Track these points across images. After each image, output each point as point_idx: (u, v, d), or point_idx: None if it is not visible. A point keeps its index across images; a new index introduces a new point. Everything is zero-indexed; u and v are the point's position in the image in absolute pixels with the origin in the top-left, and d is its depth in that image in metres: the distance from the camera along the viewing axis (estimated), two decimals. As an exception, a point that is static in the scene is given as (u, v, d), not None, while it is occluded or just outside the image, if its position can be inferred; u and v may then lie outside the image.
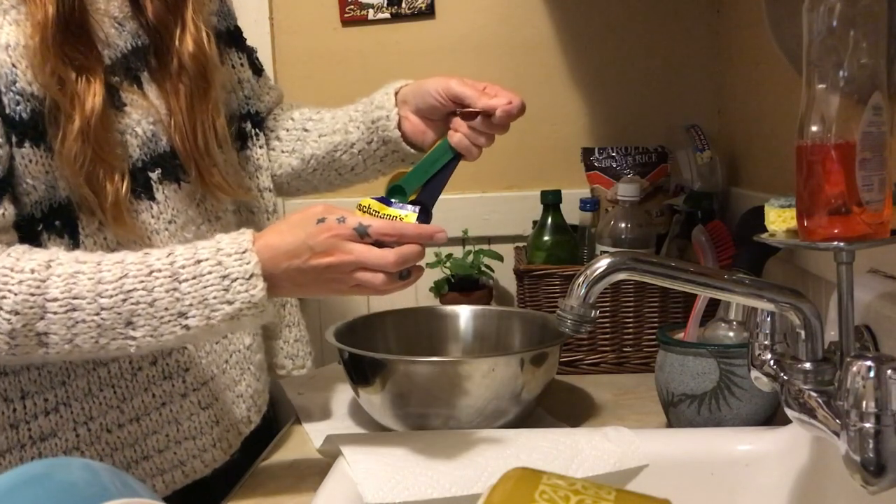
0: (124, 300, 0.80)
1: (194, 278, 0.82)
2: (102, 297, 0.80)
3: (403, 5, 1.61)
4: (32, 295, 0.80)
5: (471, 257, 1.53)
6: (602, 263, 0.73)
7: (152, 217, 0.94)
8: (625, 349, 1.32)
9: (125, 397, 0.93)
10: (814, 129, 0.69)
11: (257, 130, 1.12)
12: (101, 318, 0.80)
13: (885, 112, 0.68)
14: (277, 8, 1.65)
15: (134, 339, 0.81)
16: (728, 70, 1.52)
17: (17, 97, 0.84)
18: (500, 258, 1.54)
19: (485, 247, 1.59)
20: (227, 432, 1.01)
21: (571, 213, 1.41)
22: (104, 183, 0.87)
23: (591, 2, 1.58)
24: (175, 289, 0.81)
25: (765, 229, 0.78)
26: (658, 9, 1.57)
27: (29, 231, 0.87)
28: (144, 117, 0.93)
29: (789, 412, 0.75)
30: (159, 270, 0.82)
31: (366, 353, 1.08)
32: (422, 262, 0.85)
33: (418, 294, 1.63)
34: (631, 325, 1.31)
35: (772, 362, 0.79)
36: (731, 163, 1.47)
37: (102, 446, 0.93)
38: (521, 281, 1.35)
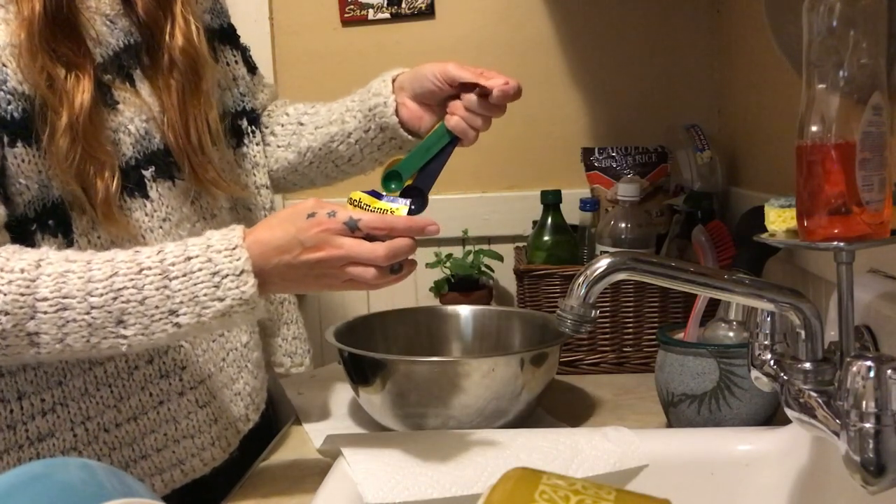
0: (115, 298, 0.80)
1: (185, 275, 0.81)
2: (93, 296, 0.80)
3: (403, 5, 1.61)
4: (22, 295, 0.79)
5: (471, 257, 1.53)
6: (602, 263, 0.73)
7: (146, 215, 0.94)
8: (625, 349, 1.32)
9: (122, 396, 0.93)
10: (814, 129, 0.69)
11: (253, 127, 1.12)
12: (92, 317, 0.80)
13: (885, 112, 0.68)
14: (277, 8, 1.65)
15: (125, 337, 0.81)
16: (728, 70, 1.52)
17: (9, 96, 0.83)
18: (500, 258, 1.54)
19: (485, 247, 1.59)
20: (225, 430, 1.01)
21: (571, 213, 1.41)
22: (94, 180, 0.87)
23: (592, 2, 1.58)
24: (165, 286, 0.81)
25: (765, 229, 0.78)
26: (658, 9, 1.57)
27: (22, 231, 0.87)
28: (137, 115, 0.93)
29: (789, 412, 0.75)
30: (149, 268, 0.81)
31: (366, 353, 1.08)
32: (414, 256, 0.84)
33: (418, 294, 1.63)
34: (631, 325, 1.31)
35: (772, 362, 0.79)
36: (731, 163, 1.47)
37: (100, 446, 0.92)
38: (521, 281, 1.35)
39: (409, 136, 1.03)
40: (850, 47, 0.67)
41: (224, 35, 1.11)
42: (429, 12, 1.61)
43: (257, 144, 1.12)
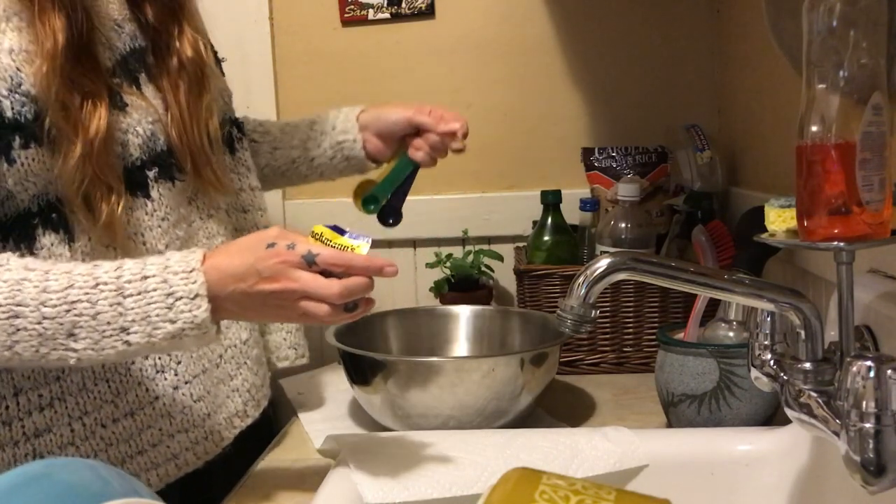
0: (67, 311, 0.79)
1: (139, 294, 0.81)
2: (46, 306, 0.79)
3: (403, 5, 1.61)
4: None
5: (471, 257, 1.53)
6: (602, 263, 0.73)
7: (146, 214, 0.95)
8: (625, 349, 1.32)
9: (119, 392, 0.93)
10: (814, 129, 0.69)
11: (241, 134, 1.16)
12: (43, 328, 0.79)
13: (885, 112, 0.68)
14: (277, 8, 1.65)
15: (75, 350, 0.80)
16: (728, 70, 1.52)
17: (23, 99, 0.84)
18: (500, 258, 1.54)
19: (485, 247, 1.59)
20: (219, 425, 1.02)
21: (571, 213, 1.41)
22: (100, 203, 0.88)
23: (591, 2, 1.58)
24: (119, 303, 0.80)
25: (765, 229, 0.78)
26: (658, 9, 1.57)
27: (24, 225, 0.88)
28: (144, 117, 0.95)
29: (789, 412, 0.75)
30: (105, 283, 0.81)
31: (366, 353, 1.08)
32: (372, 295, 0.84)
33: (418, 294, 1.64)
34: (631, 325, 1.31)
35: (772, 362, 0.79)
36: (731, 163, 1.47)
37: (97, 441, 0.93)
38: (521, 281, 1.35)
39: (373, 165, 1.19)
40: (850, 47, 0.67)
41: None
42: (429, 12, 1.61)
43: (246, 150, 1.16)
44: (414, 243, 1.63)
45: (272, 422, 1.18)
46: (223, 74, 1.15)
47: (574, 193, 1.44)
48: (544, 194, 1.39)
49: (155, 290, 0.81)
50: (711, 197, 1.36)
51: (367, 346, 1.12)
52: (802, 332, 0.75)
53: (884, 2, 0.69)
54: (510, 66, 1.60)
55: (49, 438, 0.90)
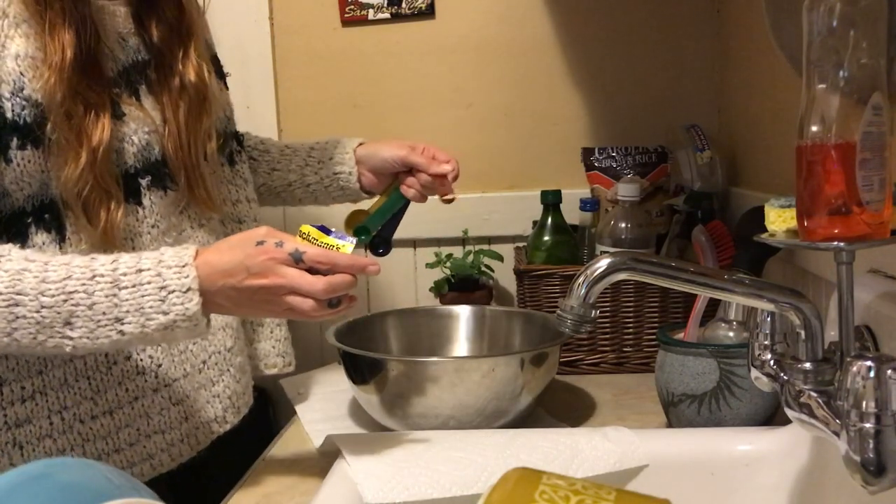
0: (65, 300, 0.83)
1: (134, 286, 0.84)
2: (44, 296, 0.82)
3: (403, 5, 1.61)
4: None
5: (471, 257, 1.53)
6: (602, 263, 0.73)
7: (137, 220, 0.98)
8: (625, 349, 1.32)
9: (99, 389, 0.96)
10: (814, 129, 0.69)
11: (240, 147, 1.19)
12: (41, 316, 0.82)
13: (885, 112, 0.68)
14: (277, 8, 1.65)
15: (71, 338, 0.83)
16: (728, 70, 1.52)
17: (23, 102, 0.88)
18: (500, 258, 1.54)
19: (485, 247, 1.59)
20: (196, 429, 1.04)
21: (571, 213, 1.41)
22: (98, 210, 0.92)
23: (592, 2, 1.58)
24: (114, 294, 0.84)
25: (765, 229, 0.78)
26: (658, 9, 1.57)
27: (17, 223, 0.91)
28: (141, 127, 0.98)
29: (789, 412, 0.75)
30: (102, 276, 0.84)
31: (365, 353, 1.08)
32: (354, 292, 0.88)
33: (418, 294, 1.64)
34: (631, 325, 1.31)
35: (772, 362, 0.79)
36: (731, 163, 1.47)
37: (75, 436, 0.95)
38: (521, 281, 1.35)
39: (367, 196, 1.23)
40: (850, 47, 0.67)
41: (214, 63, 1.16)
42: (429, 12, 1.61)
43: (244, 163, 1.19)
44: (414, 243, 1.63)
45: (272, 422, 1.18)
46: (227, 88, 1.17)
47: (574, 193, 1.44)
48: (544, 194, 1.39)
49: (149, 282, 0.84)
50: (711, 197, 1.36)
51: (367, 346, 1.12)
52: (802, 332, 0.75)
53: (884, 2, 0.69)
54: (510, 66, 1.60)
55: (28, 429, 0.93)
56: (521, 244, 1.55)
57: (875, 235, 0.69)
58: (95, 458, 0.95)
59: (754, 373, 0.81)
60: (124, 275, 0.84)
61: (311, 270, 0.85)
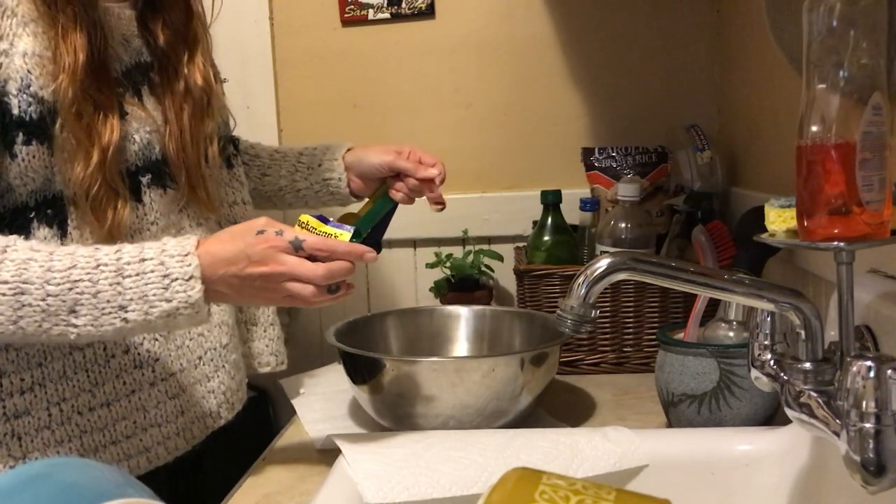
0: (70, 289, 0.84)
1: (137, 275, 0.86)
2: (50, 284, 0.84)
3: (403, 5, 1.61)
4: None
5: (471, 257, 1.54)
6: (602, 263, 0.73)
7: (136, 217, 0.99)
8: (625, 349, 1.32)
9: (97, 382, 0.97)
10: (814, 129, 0.69)
11: (236, 151, 1.21)
12: (47, 304, 0.83)
13: (885, 112, 0.68)
14: (277, 8, 1.65)
15: (76, 326, 0.84)
16: (728, 70, 1.52)
17: (30, 99, 0.89)
18: (500, 258, 1.54)
19: (485, 247, 1.59)
20: (192, 423, 1.05)
21: (571, 213, 1.41)
22: (106, 209, 0.94)
23: (592, 2, 1.58)
24: (118, 283, 0.85)
25: (765, 229, 0.78)
26: (658, 9, 1.57)
27: (19, 218, 0.92)
28: (142, 126, 0.99)
29: (789, 412, 0.75)
30: (105, 265, 0.85)
31: (365, 353, 1.08)
32: (352, 279, 0.90)
33: (418, 294, 1.64)
34: (631, 325, 1.31)
35: (772, 362, 0.79)
36: (731, 163, 1.47)
37: (72, 428, 0.96)
38: (521, 281, 1.35)
39: (356, 200, 1.25)
40: (850, 47, 0.67)
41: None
42: (429, 12, 1.61)
43: (240, 166, 1.21)
44: (414, 243, 1.63)
45: (272, 422, 1.19)
46: (223, 94, 1.18)
47: (574, 193, 1.44)
48: (544, 194, 1.39)
49: (152, 271, 0.86)
50: (711, 197, 1.36)
51: (367, 346, 1.12)
52: (802, 332, 0.75)
53: (884, 2, 0.69)
54: (510, 66, 1.61)
55: (27, 421, 0.93)
56: (521, 244, 1.55)
57: (875, 235, 0.69)
58: (92, 449, 0.97)
59: (754, 373, 0.81)
60: (128, 264, 0.86)
61: (311, 258, 0.87)
